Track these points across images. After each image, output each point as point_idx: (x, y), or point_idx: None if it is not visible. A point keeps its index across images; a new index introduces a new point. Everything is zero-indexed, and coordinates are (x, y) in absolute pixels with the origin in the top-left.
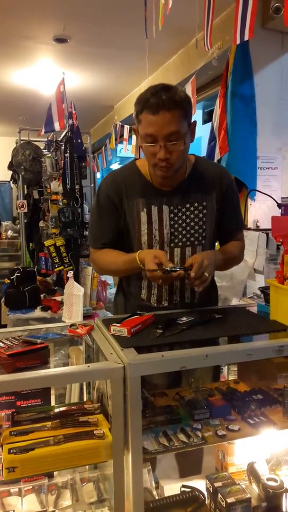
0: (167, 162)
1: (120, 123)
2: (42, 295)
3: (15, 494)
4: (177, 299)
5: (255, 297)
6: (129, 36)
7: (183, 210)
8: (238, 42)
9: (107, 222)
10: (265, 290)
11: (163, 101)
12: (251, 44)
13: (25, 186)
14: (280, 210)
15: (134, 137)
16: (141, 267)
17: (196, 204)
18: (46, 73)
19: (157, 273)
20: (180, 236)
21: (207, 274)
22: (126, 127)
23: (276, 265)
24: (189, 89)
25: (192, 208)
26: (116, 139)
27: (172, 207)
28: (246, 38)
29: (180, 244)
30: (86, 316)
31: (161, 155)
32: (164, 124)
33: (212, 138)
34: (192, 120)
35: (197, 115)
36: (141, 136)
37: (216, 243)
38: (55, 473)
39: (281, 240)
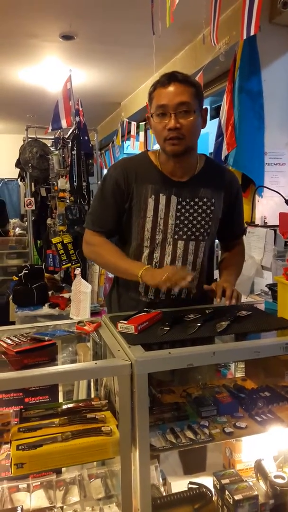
0: (177, 132)
1: (127, 120)
2: (50, 292)
3: (23, 489)
4: (175, 294)
5: (263, 294)
6: (136, 32)
7: (191, 203)
8: (245, 36)
9: (108, 212)
10: (272, 287)
11: (176, 75)
12: (259, 39)
13: (32, 183)
14: None
15: (141, 133)
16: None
17: (205, 200)
18: (53, 71)
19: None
20: (185, 229)
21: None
22: (133, 124)
23: (283, 262)
24: None
25: (200, 203)
26: (123, 136)
27: (180, 199)
28: (252, 33)
29: (184, 237)
30: (93, 313)
31: (171, 124)
32: (176, 94)
33: (220, 134)
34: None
35: None
36: (154, 112)
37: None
38: (63, 469)
39: None
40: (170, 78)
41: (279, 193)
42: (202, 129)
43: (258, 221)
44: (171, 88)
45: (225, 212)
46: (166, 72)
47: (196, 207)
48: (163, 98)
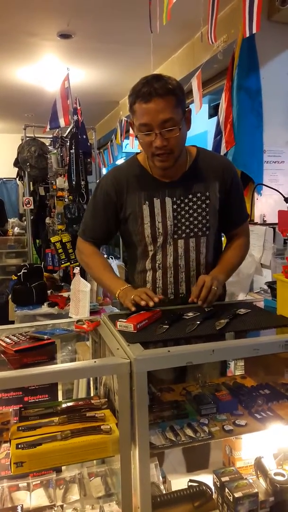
0: (165, 149)
1: (126, 119)
2: (49, 291)
3: (23, 488)
4: (183, 292)
5: (262, 292)
6: (134, 30)
7: (186, 201)
8: (247, 34)
9: (98, 222)
10: (272, 285)
11: (155, 89)
12: (257, 36)
13: (31, 182)
14: (287, 204)
15: None
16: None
17: (199, 195)
18: (51, 69)
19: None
20: (183, 228)
21: (214, 289)
22: None
23: (283, 260)
24: (194, 83)
25: (195, 199)
26: (121, 135)
27: (175, 199)
28: (254, 31)
29: (183, 235)
30: (92, 312)
31: (158, 143)
32: (158, 112)
33: (218, 132)
34: (194, 111)
35: (203, 109)
36: (137, 128)
37: (223, 238)
38: (63, 467)
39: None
40: (151, 94)
41: (278, 191)
42: (192, 129)
43: (257, 219)
44: (152, 105)
45: (223, 201)
46: (163, 72)
47: (191, 203)
48: (146, 116)
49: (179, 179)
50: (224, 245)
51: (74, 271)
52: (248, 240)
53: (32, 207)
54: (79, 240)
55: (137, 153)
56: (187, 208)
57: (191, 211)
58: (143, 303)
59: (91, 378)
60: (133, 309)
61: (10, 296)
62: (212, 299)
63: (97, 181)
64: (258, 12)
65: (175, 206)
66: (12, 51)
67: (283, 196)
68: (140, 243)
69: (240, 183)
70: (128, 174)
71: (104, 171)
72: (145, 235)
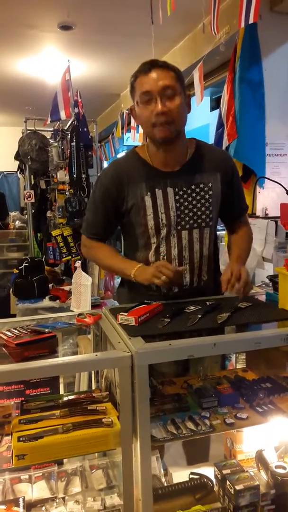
0: (166, 116)
1: (127, 111)
2: (50, 285)
3: (25, 480)
4: (187, 284)
5: (264, 285)
6: (135, 22)
7: (189, 191)
8: (243, 25)
9: (99, 218)
10: (273, 279)
11: (156, 61)
12: (259, 28)
13: (32, 176)
14: None
15: None
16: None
17: (201, 185)
18: (51, 62)
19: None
20: (187, 219)
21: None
22: None
23: (285, 253)
24: (196, 75)
25: (198, 190)
26: (123, 128)
27: (177, 189)
28: (250, 21)
29: (187, 226)
30: (94, 306)
31: (159, 108)
32: (158, 79)
33: (220, 125)
34: (195, 104)
35: (205, 102)
36: (138, 100)
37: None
38: (64, 460)
39: None
40: (151, 64)
41: (281, 184)
42: (189, 116)
43: (259, 212)
44: (153, 74)
45: (225, 192)
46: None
47: (194, 194)
48: (147, 84)
49: (180, 170)
50: (225, 239)
51: (75, 265)
52: (251, 230)
53: (33, 200)
54: (83, 237)
55: (135, 147)
56: (190, 199)
57: (194, 202)
58: (168, 273)
59: (93, 371)
60: (157, 281)
61: (11, 290)
62: (248, 291)
63: (98, 174)
64: (257, 2)
65: (177, 197)
66: (12, 43)
67: (285, 189)
68: (142, 235)
69: (239, 175)
70: (128, 166)
71: (105, 164)
72: (148, 227)
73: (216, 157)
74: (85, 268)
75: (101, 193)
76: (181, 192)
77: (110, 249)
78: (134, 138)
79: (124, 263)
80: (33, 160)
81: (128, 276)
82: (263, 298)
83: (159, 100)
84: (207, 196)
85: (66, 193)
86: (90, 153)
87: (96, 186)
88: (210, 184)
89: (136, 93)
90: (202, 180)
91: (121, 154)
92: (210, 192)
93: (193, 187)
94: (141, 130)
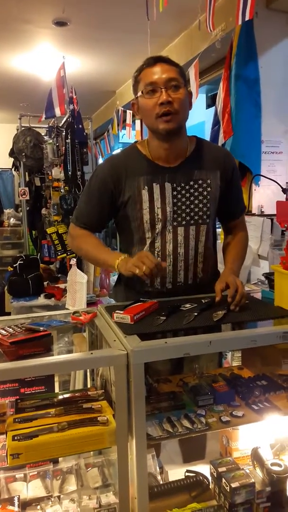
0: (170, 107)
1: (123, 108)
2: (45, 283)
3: (20, 479)
4: (181, 280)
5: (260, 283)
6: (130, 18)
7: (187, 187)
8: (240, 22)
9: (93, 208)
10: (269, 276)
11: (161, 56)
12: (256, 25)
13: (26, 173)
14: (285, 195)
15: (137, 122)
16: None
17: (200, 182)
18: (46, 58)
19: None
20: (183, 215)
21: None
22: (129, 112)
23: (280, 251)
24: (192, 72)
25: (196, 186)
26: (118, 125)
27: (175, 185)
28: (246, 18)
29: (183, 222)
30: (89, 303)
31: (164, 98)
32: (163, 71)
33: (216, 122)
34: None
35: (200, 99)
36: (143, 90)
37: (220, 230)
38: (60, 458)
39: (286, 225)
40: (156, 59)
41: (276, 182)
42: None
43: (255, 210)
44: (158, 67)
45: (223, 190)
46: None
47: (192, 190)
48: (152, 76)
49: (180, 165)
50: (221, 237)
51: (70, 263)
52: (247, 234)
53: (28, 197)
54: (71, 226)
55: (136, 142)
56: (187, 195)
57: (192, 198)
58: (148, 263)
59: (88, 370)
60: (137, 271)
61: (6, 288)
62: (244, 302)
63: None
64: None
65: (175, 193)
66: (6, 39)
67: (281, 187)
68: (138, 230)
69: (239, 175)
70: (126, 160)
71: (100, 161)
72: (143, 221)
73: (217, 155)
74: (80, 266)
75: (97, 185)
76: (179, 188)
77: (97, 241)
78: (130, 135)
79: (109, 254)
80: (28, 157)
81: (112, 267)
82: (258, 295)
83: (163, 90)
84: (205, 193)
85: (61, 190)
86: (85, 150)
87: (92, 178)
88: (209, 181)
89: (141, 84)
90: (201, 176)
91: (116, 151)
92: (209, 189)
93: (191, 182)
94: (137, 127)
